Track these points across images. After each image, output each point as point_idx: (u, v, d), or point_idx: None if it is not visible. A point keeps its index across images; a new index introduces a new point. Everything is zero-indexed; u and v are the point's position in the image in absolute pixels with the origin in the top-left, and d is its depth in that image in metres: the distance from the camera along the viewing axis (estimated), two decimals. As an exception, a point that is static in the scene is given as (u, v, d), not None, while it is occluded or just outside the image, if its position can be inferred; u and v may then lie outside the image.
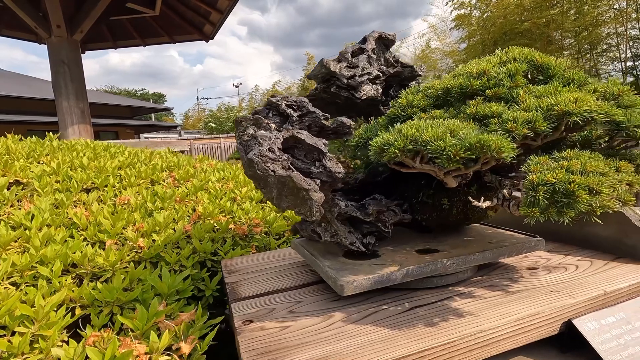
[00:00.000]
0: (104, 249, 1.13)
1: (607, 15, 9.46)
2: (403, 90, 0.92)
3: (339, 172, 0.77)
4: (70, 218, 1.17)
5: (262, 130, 0.78)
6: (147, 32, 6.88)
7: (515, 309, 0.73)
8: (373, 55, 0.93)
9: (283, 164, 0.74)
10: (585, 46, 9.94)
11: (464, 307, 0.75)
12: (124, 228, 1.26)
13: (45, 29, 4.77)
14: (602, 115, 0.69)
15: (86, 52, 7.00)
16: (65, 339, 0.87)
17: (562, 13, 9.63)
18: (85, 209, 1.29)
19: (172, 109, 29.58)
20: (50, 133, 2.20)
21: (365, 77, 0.90)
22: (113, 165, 1.64)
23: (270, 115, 0.82)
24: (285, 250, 1.29)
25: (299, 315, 0.78)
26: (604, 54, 10.26)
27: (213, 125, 23.57)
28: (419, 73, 0.97)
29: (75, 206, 1.32)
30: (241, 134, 0.77)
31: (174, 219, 1.38)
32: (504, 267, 0.97)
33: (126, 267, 1.09)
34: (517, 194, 0.76)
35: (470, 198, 0.71)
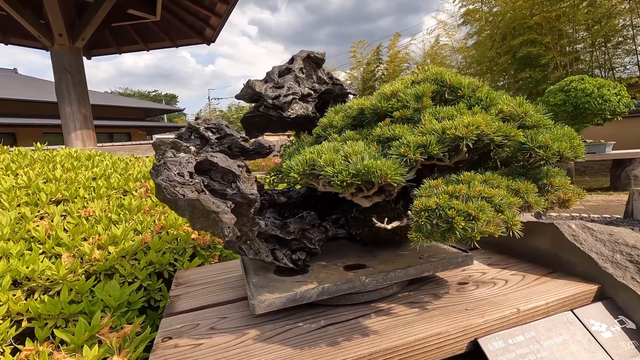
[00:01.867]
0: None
1: (622, 6, 9.15)
2: (329, 109, 0.93)
3: (252, 194, 0.79)
4: (30, 231, 1.23)
5: (182, 153, 0.81)
6: (150, 37, 7.01)
7: (422, 328, 0.74)
8: (301, 75, 0.95)
9: (195, 187, 0.76)
10: (599, 39, 9.64)
11: (373, 326, 0.77)
12: (84, 240, 1.31)
13: (48, 38, 4.92)
14: (500, 137, 0.69)
15: (92, 57, 7.18)
16: (9, 351, 0.92)
17: (573, 6, 9.35)
18: (52, 222, 1.35)
19: (183, 109, 30.05)
20: (38, 143, 2.28)
21: (291, 96, 0.92)
22: (86, 177, 1.70)
23: (192, 137, 0.85)
24: (238, 262, 1.32)
25: (217, 332, 0.81)
26: (619, 46, 9.94)
27: (222, 125, 23.79)
28: (349, 91, 0.98)
29: (42, 218, 1.38)
30: (160, 157, 0.80)
31: (136, 230, 1.42)
32: (436, 281, 0.98)
33: (79, 280, 1.13)
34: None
35: (374, 219, 0.72)
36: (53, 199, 1.49)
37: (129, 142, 10.19)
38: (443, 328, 0.73)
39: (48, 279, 1.12)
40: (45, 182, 1.62)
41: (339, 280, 0.83)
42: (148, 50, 7.37)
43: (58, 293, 1.10)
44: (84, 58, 6.92)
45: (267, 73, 0.94)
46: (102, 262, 1.21)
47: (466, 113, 0.73)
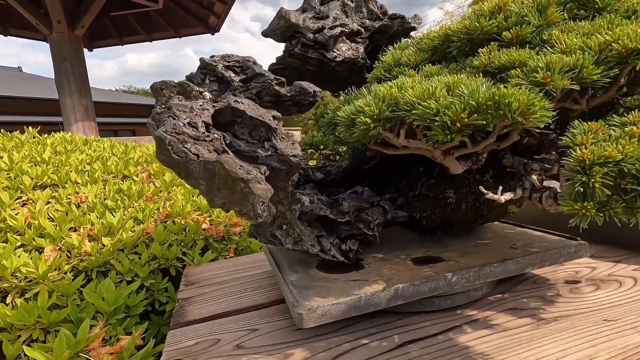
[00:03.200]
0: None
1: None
2: (390, 46, 0.68)
3: (295, 156, 0.55)
4: (5, 220, 1.00)
5: (192, 101, 0.57)
6: (152, 27, 6.77)
7: (552, 348, 0.50)
8: (350, 3, 0.70)
9: (214, 145, 0.52)
10: None
11: (477, 345, 0.53)
12: (74, 231, 1.08)
13: (46, 25, 4.70)
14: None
15: (93, 49, 6.97)
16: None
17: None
18: (34, 208, 1.12)
19: (187, 106, 29.90)
20: (30, 127, 2.06)
21: (338, 29, 0.67)
22: (80, 160, 1.48)
23: (207, 81, 0.61)
24: (261, 256, 1.08)
25: (246, 352, 0.57)
26: None
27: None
28: (412, 25, 0.73)
29: (25, 205, 1.16)
30: (162, 105, 0.56)
31: (137, 219, 1.19)
32: (533, 279, 0.74)
33: (63, 279, 0.91)
34: (553, 183, 0.53)
35: (482, 189, 0.48)
36: (39, 184, 1.27)
37: (133, 138, 10.02)
38: (590, 349, 0.48)
39: (26, 278, 0.89)
40: (31, 166, 1.39)
41: (415, 278, 0.59)
42: (151, 41, 7.13)
43: (37, 296, 0.87)
44: (86, 50, 6.72)
45: (305, 0, 0.69)
46: (95, 256, 0.98)
47: (623, 24, 0.48)
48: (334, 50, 0.69)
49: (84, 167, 1.46)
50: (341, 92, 0.91)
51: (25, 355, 0.71)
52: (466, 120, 0.40)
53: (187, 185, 1.46)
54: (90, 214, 1.13)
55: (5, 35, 6.09)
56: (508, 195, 0.50)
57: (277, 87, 0.60)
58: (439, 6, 20.30)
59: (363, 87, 0.73)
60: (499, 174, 0.68)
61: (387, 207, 0.72)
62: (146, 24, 6.64)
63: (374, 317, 0.63)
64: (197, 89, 0.58)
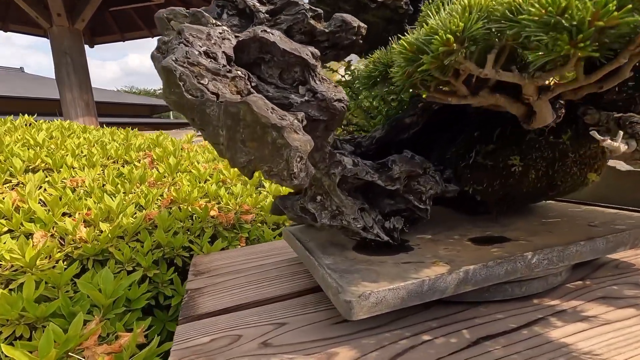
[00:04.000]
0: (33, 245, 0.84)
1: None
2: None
3: (339, 100, 0.43)
4: (-9, 203, 0.88)
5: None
6: (154, 22, 6.66)
7: (686, 347, 0.38)
8: None
9: (236, 84, 0.40)
10: None
11: (578, 342, 0.41)
12: (69, 216, 0.96)
13: (46, 19, 4.60)
14: None
15: (94, 45, 6.88)
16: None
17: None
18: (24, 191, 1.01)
19: (189, 106, 29.80)
20: (26, 115, 1.95)
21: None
22: (77, 143, 1.36)
23: (225, 16, 0.49)
24: (279, 243, 0.97)
25: (276, 351, 0.45)
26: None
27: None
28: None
29: (14, 189, 1.04)
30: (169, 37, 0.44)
31: (139, 205, 1.08)
32: (613, 264, 0.61)
33: (55, 267, 0.79)
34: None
35: (595, 134, 0.36)
36: (31, 167, 1.15)
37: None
38: None
39: (12, 267, 0.77)
40: (24, 150, 1.28)
41: (484, 260, 0.47)
42: (152, 37, 7.02)
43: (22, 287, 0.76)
44: (88, 48, 6.63)
45: None
46: (91, 243, 0.86)
47: None
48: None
49: (82, 151, 1.35)
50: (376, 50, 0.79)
51: (6, 355, 0.60)
52: (615, 19, 0.27)
53: (194, 172, 1.35)
54: (86, 199, 1.01)
55: (5, 31, 6.00)
56: (623, 147, 0.38)
57: (312, 22, 0.48)
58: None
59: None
60: (576, 135, 0.56)
61: (437, 178, 0.60)
62: (148, 19, 6.54)
63: (429, 308, 0.51)
64: (214, 21, 0.46)
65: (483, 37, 0.35)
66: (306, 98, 0.44)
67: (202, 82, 0.38)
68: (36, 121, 1.97)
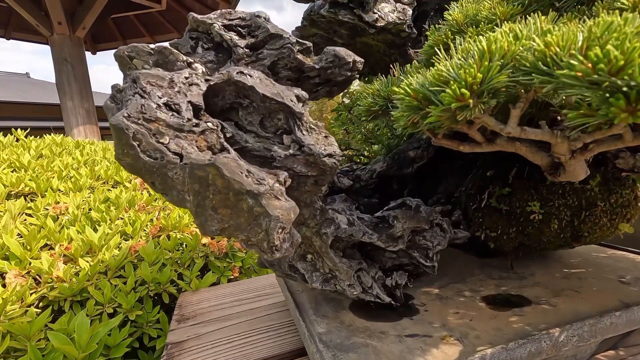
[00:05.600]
0: (4, 285, 0.78)
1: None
2: (453, 2, 0.50)
3: (330, 155, 0.36)
4: (-38, 238, 0.82)
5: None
6: (156, 29, 6.65)
7: None
8: (396, -53, 0.52)
9: (206, 140, 0.34)
10: None
11: None
12: (50, 249, 0.90)
13: (47, 27, 4.58)
14: None
15: (97, 52, 6.88)
16: None
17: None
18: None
19: (192, 110, 29.93)
20: (19, 130, 1.90)
21: (383, -20, 0.48)
22: (64, 164, 1.30)
23: (200, 49, 0.42)
24: (272, 278, 0.90)
25: None
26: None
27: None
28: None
29: (-7, 219, 0.98)
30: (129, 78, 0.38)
31: (125, 234, 1.01)
32: (648, 324, 0.54)
33: (26, 313, 0.72)
34: None
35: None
36: (14, 192, 1.09)
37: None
38: None
39: (-21, 313, 0.71)
40: (9, 172, 1.22)
41: (502, 336, 0.40)
42: (155, 44, 7.02)
43: (-9, 336, 0.69)
44: (89, 53, 6.62)
45: (334, -57, 0.51)
46: (69, 282, 0.80)
47: None
48: (375, 10, 0.50)
49: (69, 172, 1.29)
50: (379, 78, 0.72)
51: None
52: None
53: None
54: (68, 229, 0.95)
55: (7, 39, 6.01)
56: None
57: (300, 56, 0.41)
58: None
59: (409, 66, 0.54)
60: (606, 180, 0.49)
61: (445, 225, 0.53)
62: (149, 26, 6.54)
63: (438, 387, 0.44)
64: (184, 58, 0.39)
65: (506, 90, 0.28)
66: (291, 151, 0.37)
67: (161, 140, 0.31)
68: (28, 136, 1.92)
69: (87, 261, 0.86)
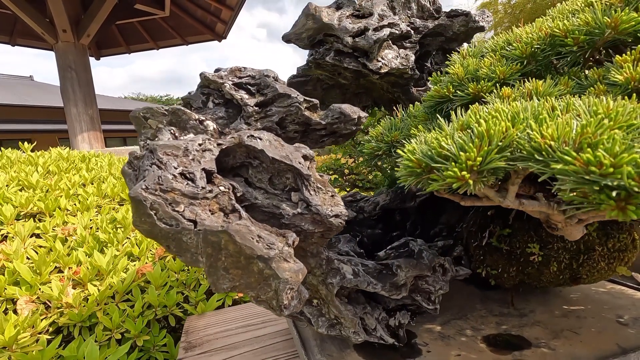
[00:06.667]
0: (15, 311, 0.79)
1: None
2: (455, 54, 0.51)
3: (337, 216, 0.38)
4: (-26, 264, 0.84)
5: (190, 134, 0.40)
6: (159, 35, 6.71)
7: None
8: (399, -4, 0.53)
9: (219, 202, 0.35)
10: None
11: None
12: (59, 271, 0.92)
13: (52, 34, 4.63)
14: None
15: (101, 58, 6.93)
16: None
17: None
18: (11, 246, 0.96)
19: (194, 113, 30.03)
20: (26, 143, 1.93)
21: (387, 31, 0.50)
22: (72, 183, 1.32)
23: (211, 104, 0.44)
24: (277, 302, 0.91)
25: None
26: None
27: (234, 127, 23.74)
28: (480, 24, 0.56)
29: (4, 240, 1.00)
30: (146, 143, 0.40)
31: (132, 255, 1.03)
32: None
33: (38, 341, 0.74)
34: None
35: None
36: (23, 213, 1.11)
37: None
38: None
39: (-9, 341, 0.73)
40: (18, 190, 1.24)
41: (504, 384, 0.41)
42: (158, 49, 7.06)
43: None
44: (93, 58, 6.68)
45: (339, -7, 0.52)
46: (78, 308, 0.82)
47: None
48: (379, 58, 0.52)
49: (76, 190, 1.31)
50: (380, 112, 0.73)
51: None
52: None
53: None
54: (77, 250, 0.97)
55: (13, 45, 6.07)
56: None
57: (307, 113, 0.43)
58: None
59: (412, 107, 0.55)
60: (604, 225, 0.50)
61: (446, 265, 0.54)
62: (153, 32, 6.59)
63: None
64: (196, 116, 0.41)
65: (504, 169, 0.29)
66: (299, 210, 0.38)
67: (177, 209, 0.33)
68: (34, 150, 1.95)
69: (96, 285, 0.88)
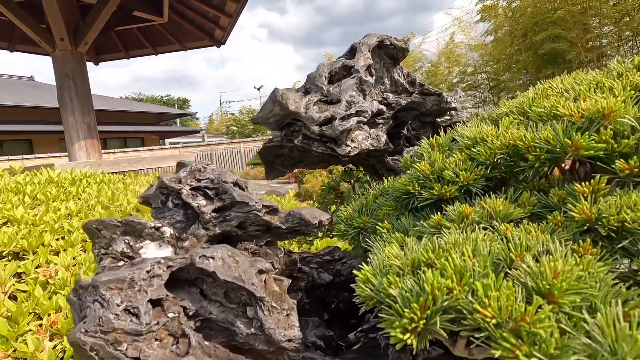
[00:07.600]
0: (-10, 367, 0.79)
1: (655, -3, 8.39)
2: (424, 141, 0.50)
3: (290, 340, 0.37)
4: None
5: (147, 241, 0.39)
6: (158, 41, 6.70)
7: None
8: (368, 78, 0.52)
9: (168, 330, 0.34)
10: (627, 33, 8.86)
11: None
12: (39, 318, 0.91)
13: (49, 43, 4.62)
14: None
15: (99, 63, 6.93)
16: None
17: (600, -2, 8.64)
18: (-4, 289, 0.96)
19: (195, 113, 30.04)
20: (17, 165, 1.92)
21: (354, 120, 0.49)
22: (57, 215, 1.32)
23: (170, 204, 0.43)
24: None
25: None
26: (650, 41, 9.15)
27: (235, 128, 23.73)
28: (452, 105, 0.55)
29: (-16, 285, 0.99)
30: (100, 255, 0.39)
31: (114, 298, 1.02)
32: None
33: (10, 403, 0.73)
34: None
35: None
36: (6, 252, 1.11)
37: (135, 149, 10.01)
38: None
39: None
40: (3, 224, 1.23)
41: None
42: (157, 55, 7.06)
43: None
44: (92, 63, 6.68)
45: (308, 77, 0.51)
46: (54, 364, 0.81)
47: None
48: (348, 143, 0.51)
49: (61, 223, 1.30)
50: (359, 174, 0.73)
51: None
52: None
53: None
54: (57, 295, 0.96)
55: (12, 51, 6.07)
56: None
57: (267, 217, 0.42)
58: (447, 12, 20.00)
59: (386, 183, 0.55)
60: None
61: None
62: (152, 38, 6.58)
63: None
64: (152, 224, 0.40)
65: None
66: (252, 330, 0.37)
67: (119, 348, 0.32)
68: (24, 173, 1.94)
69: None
